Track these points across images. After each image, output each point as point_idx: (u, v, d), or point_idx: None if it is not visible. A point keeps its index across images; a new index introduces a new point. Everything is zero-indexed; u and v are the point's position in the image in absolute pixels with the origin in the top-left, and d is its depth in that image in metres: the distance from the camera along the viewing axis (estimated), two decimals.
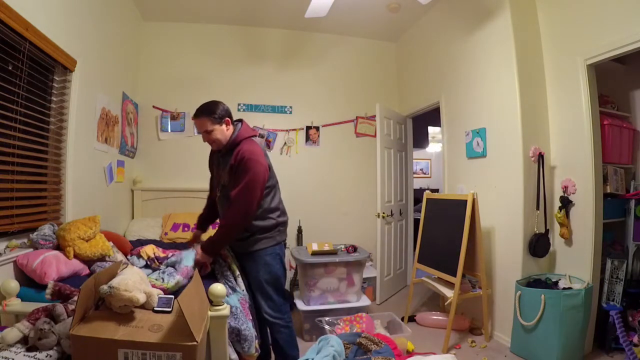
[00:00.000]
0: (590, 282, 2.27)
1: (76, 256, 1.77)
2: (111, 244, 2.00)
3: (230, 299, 1.63)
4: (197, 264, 1.78)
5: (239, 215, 1.75)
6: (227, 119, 1.86)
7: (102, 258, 1.87)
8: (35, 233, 1.78)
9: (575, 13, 2.36)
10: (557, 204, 2.49)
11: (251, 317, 1.72)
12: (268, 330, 2.01)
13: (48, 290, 1.35)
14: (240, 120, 1.96)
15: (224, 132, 1.85)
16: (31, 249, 1.73)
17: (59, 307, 1.23)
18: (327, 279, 2.72)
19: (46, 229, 1.82)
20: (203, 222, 2.22)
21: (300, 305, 2.71)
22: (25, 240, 1.79)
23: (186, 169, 3.57)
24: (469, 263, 2.57)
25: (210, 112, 1.81)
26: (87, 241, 1.84)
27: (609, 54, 2.17)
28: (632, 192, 2.56)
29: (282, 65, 3.91)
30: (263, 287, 1.88)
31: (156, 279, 1.58)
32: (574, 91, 2.37)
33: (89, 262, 1.83)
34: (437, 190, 4.97)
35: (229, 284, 1.78)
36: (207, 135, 1.84)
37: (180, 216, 3.24)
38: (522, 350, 2.35)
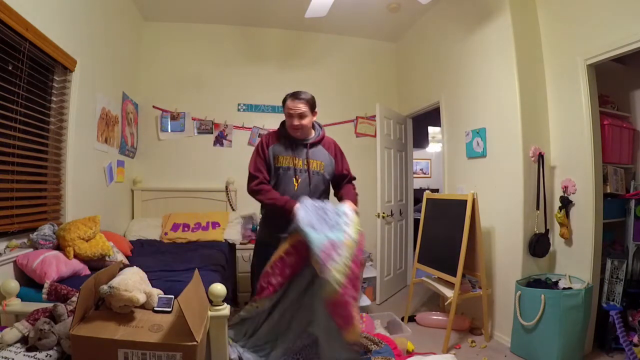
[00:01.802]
0: (590, 282, 2.26)
1: (76, 256, 1.78)
2: (111, 244, 2.00)
3: None
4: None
5: None
6: (316, 111, 2.00)
7: (102, 258, 1.87)
8: (35, 233, 1.78)
9: (575, 13, 2.36)
10: (557, 204, 2.49)
11: None
12: None
13: (44, 291, 1.36)
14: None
15: (311, 121, 1.98)
16: (31, 249, 1.73)
17: (61, 307, 1.23)
18: None
19: (46, 229, 1.82)
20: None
21: None
22: (25, 240, 1.80)
23: (186, 169, 3.54)
24: (469, 263, 2.57)
25: (312, 100, 1.94)
26: (87, 241, 1.84)
27: (609, 54, 2.16)
28: (632, 192, 2.56)
29: (282, 65, 3.90)
30: None
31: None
32: (574, 91, 2.37)
33: (89, 262, 1.83)
34: (437, 190, 4.97)
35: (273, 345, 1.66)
36: (298, 119, 1.88)
37: (180, 216, 3.24)
38: (522, 350, 2.35)
